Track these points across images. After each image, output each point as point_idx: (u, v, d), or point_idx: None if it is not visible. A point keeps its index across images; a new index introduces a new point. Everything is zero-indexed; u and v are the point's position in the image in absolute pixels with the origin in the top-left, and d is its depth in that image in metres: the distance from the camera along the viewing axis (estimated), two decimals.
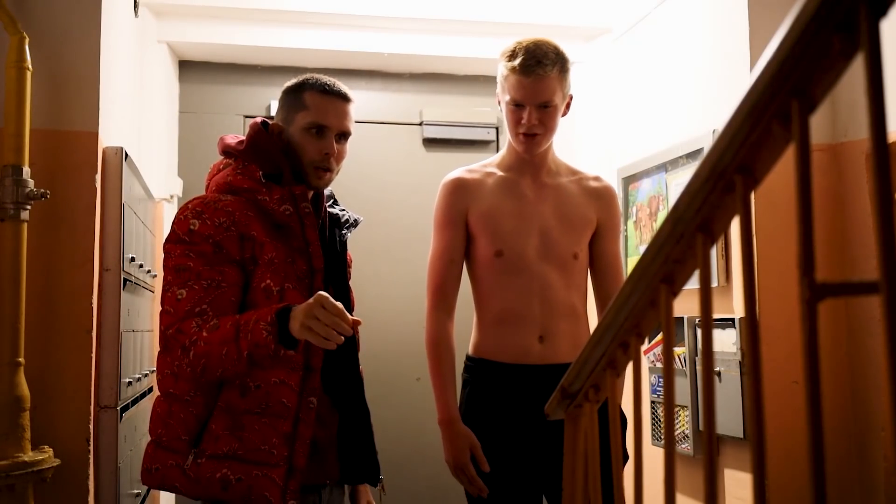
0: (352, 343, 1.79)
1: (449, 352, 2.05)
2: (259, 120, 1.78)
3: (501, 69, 2.00)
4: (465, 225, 2.07)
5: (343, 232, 1.85)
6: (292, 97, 1.76)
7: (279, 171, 1.71)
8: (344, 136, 1.76)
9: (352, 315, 1.80)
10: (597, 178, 2.16)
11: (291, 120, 1.74)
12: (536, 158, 2.07)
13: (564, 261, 2.03)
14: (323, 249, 1.75)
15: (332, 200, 1.90)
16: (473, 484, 1.96)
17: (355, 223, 1.89)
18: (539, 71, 1.93)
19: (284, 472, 1.60)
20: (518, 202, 2.05)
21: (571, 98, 2.06)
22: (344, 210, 1.89)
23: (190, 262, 1.61)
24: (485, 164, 2.14)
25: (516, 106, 1.97)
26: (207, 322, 1.57)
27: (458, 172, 2.12)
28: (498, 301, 2.03)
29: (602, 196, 2.12)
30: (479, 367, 2.04)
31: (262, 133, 1.74)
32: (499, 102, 2.04)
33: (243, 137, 1.77)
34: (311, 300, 1.50)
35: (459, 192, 2.08)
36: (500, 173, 2.09)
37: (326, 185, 1.78)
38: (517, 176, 2.08)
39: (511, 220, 2.03)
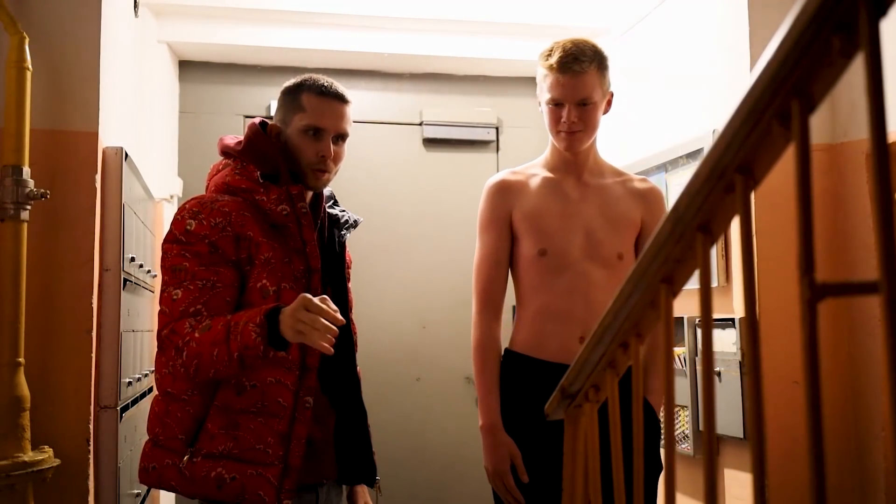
0: (348, 343, 1.79)
1: (495, 356, 2.04)
2: (258, 120, 1.79)
3: (540, 69, 2.00)
4: (509, 226, 2.07)
5: (342, 233, 1.85)
6: (290, 98, 1.76)
7: (277, 171, 1.72)
8: (341, 137, 1.76)
9: (348, 318, 1.80)
10: (643, 180, 2.14)
11: (289, 121, 1.74)
12: (580, 158, 2.06)
13: (609, 261, 2.02)
14: (321, 250, 1.75)
15: (332, 201, 1.90)
16: (511, 494, 1.94)
17: (355, 224, 1.89)
18: (576, 68, 1.93)
19: (279, 471, 1.61)
20: (562, 202, 2.05)
21: (612, 95, 2.04)
22: (344, 211, 1.89)
23: (186, 262, 1.62)
24: (528, 166, 2.14)
25: (556, 105, 1.97)
26: (201, 322, 1.57)
27: (503, 174, 2.12)
28: (541, 299, 2.02)
29: (646, 197, 2.11)
30: (517, 362, 2.03)
31: (260, 133, 1.75)
32: (539, 104, 2.05)
33: (242, 138, 1.77)
34: (293, 303, 1.51)
35: (503, 194, 2.07)
36: (543, 174, 2.09)
37: (324, 186, 1.78)
38: (561, 176, 2.08)
39: (555, 220, 2.03)
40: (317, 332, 1.47)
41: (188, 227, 1.63)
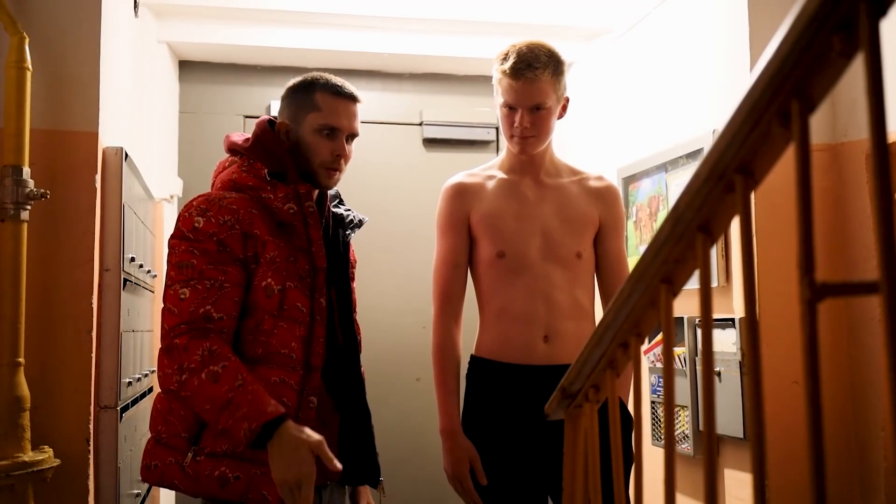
0: (353, 344, 1.79)
1: (454, 359, 2.05)
2: (266, 118, 1.79)
3: (495, 73, 2.01)
4: (467, 229, 2.08)
5: (347, 232, 1.85)
6: (301, 96, 1.75)
7: (284, 169, 1.72)
8: (353, 136, 1.77)
9: (351, 319, 1.80)
10: (599, 178, 2.16)
11: (301, 120, 1.74)
12: (535, 159, 2.07)
13: (568, 260, 2.04)
14: (326, 249, 1.75)
15: (337, 199, 1.90)
16: (470, 497, 1.96)
17: (360, 223, 1.88)
18: (529, 74, 1.94)
19: None
20: (519, 203, 2.06)
21: (568, 100, 2.06)
22: (349, 210, 1.89)
23: (193, 259, 1.61)
24: (485, 168, 2.15)
25: (509, 109, 1.99)
26: (214, 359, 1.53)
27: (459, 177, 2.13)
28: (501, 301, 2.03)
29: (604, 195, 2.13)
30: (483, 367, 2.04)
31: (269, 132, 1.75)
32: (495, 104, 2.05)
33: (249, 135, 1.78)
34: (304, 434, 1.49)
35: (460, 197, 2.08)
36: (500, 175, 2.10)
37: (335, 185, 1.79)
38: (518, 177, 2.09)
39: (513, 221, 2.04)
40: (294, 484, 1.46)
41: (196, 225, 1.63)
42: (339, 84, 1.76)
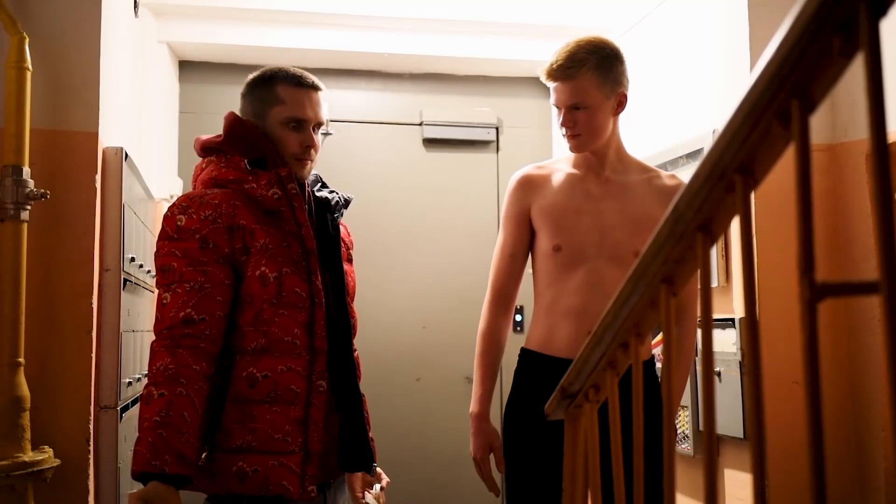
0: (346, 328, 1.77)
1: (497, 347, 2.06)
2: (233, 112, 1.77)
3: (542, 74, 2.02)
4: (528, 221, 2.08)
5: (336, 215, 1.84)
6: (263, 91, 1.74)
7: (264, 155, 1.71)
8: (319, 126, 1.77)
9: (345, 302, 1.79)
10: (671, 176, 2.12)
11: (266, 115, 1.73)
12: (599, 155, 2.06)
13: (625, 258, 2.02)
14: (315, 234, 1.74)
15: (319, 184, 1.89)
16: (486, 481, 2.02)
17: (346, 203, 1.87)
18: (566, 74, 1.94)
19: (301, 458, 1.60)
20: (581, 198, 2.05)
21: (625, 96, 2.01)
22: (333, 192, 1.86)
23: (174, 261, 1.61)
24: (555, 161, 2.16)
25: (557, 108, 2.00)
26: (163, 380, 1.54)
27: (527, 169, 2.13)
28: (553, 294, 2.03)
29: (673, 194, 2.10)
30: (530, 360, 2.05)
31: (239, 120, 1.74)
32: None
33: (220, 133, 1.76)
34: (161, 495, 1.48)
35: (524, 189, 2.09)
36: (567, 169, 2.10)
37: (308, 174, 1.77)
38: (583, 172, 2.08)
39: (572, 216, 2.04)
40: None
41: (178, 223, 1.62)
42: (300, 74, 1.75)
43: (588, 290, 2.00)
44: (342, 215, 1.85)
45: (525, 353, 2.07)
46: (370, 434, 1.81)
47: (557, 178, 2.08)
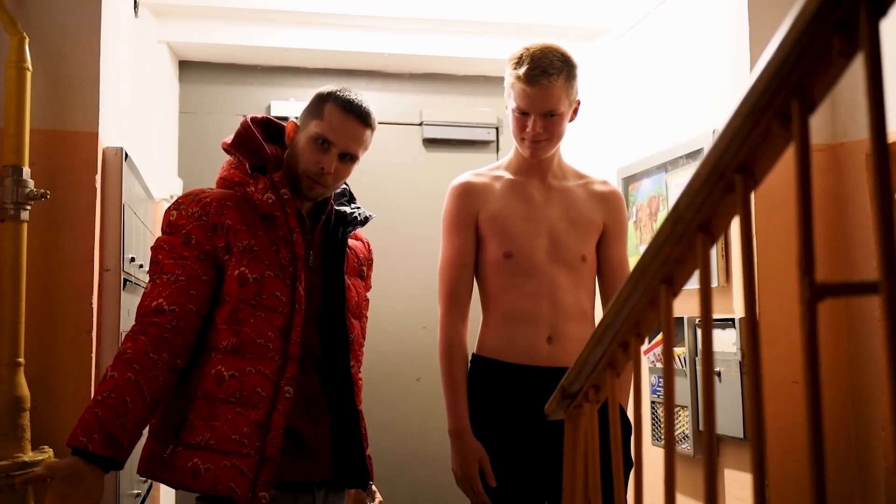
0: (343, 341, 1.77)
1: (462, 359, 2.04)
2: (251, 116, 1.82)
3: (507, 76, 2.00)
4: (475, 228, 2.07)
5: (347, 230, 1.84)
6: (316, 103, 1.76)
7: (263, 161, 1.74)
8: (350, 156, 1.73)
9: (343, 315, 1.79)
10: (604, 182, 2.17)
11: (306, 125, 1.75)
12: (544, 162, 2.07)
13: (573, 263, 2.04)
14: (324, 245, 1.77)
15: (345, 197, 1.90)
16: (479, 498, 1.96)
17: (364, 221, 1.88)
18: (544, 81, 1.93)
19: (255, 462, 1.59)
20: (526, 205, 2.06)
21: (579, 104, 2.05)
22: (358, 207, 1.88)
23: (160, 254, 1.68)
24: (492, 168, 2.15)
25: (521, 114, 1.98)
26: (119, 363, 1.61)
27: (466, 176, 2.12)
28: (507, 302, 2.03)
29: (608, 200, 2.13)
30: (486, 367, 2.04)
31: (248, 126, 1.78)
32: (506, 106, 2.05)
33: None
34: (75, 472, 1.54)
35: (469, 196, 2.08)
36: (507, 176, 2.10)
37: (315, 197, 1.77)
38: (525, 179, 2.09)
39: (520, 223, 2.04)
40: None
41: (171, 219, 1.70)
42: (350, 100, 1.73)
43: (541, 296, 2.01)
44: (353, 230, 1.85)
45: (480, 361, 2.05)
46: (367, 451, 1.81)
47: (500, 185, 2.09)
